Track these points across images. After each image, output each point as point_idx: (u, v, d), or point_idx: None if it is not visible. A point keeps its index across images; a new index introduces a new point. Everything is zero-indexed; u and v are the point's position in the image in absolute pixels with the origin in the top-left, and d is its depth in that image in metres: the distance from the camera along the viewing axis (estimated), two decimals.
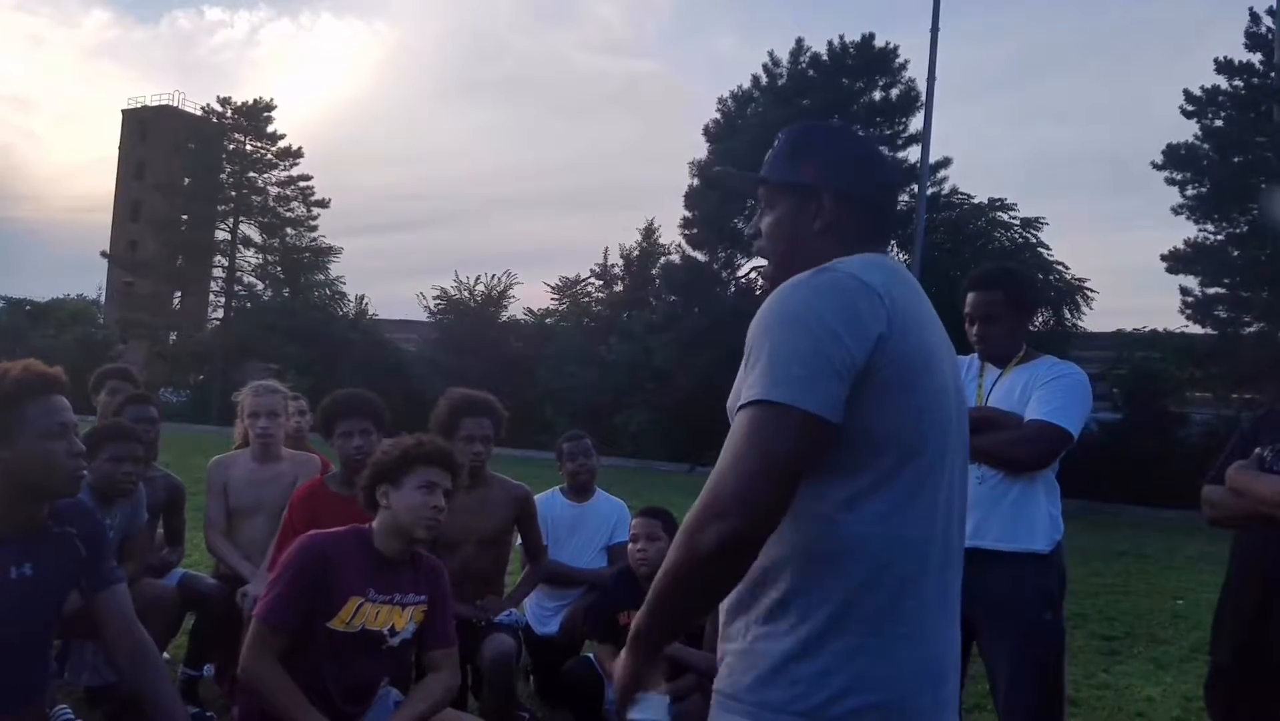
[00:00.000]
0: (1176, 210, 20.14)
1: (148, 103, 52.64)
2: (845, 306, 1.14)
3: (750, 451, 1.09)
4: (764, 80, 25.70)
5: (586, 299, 28.90)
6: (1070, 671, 4.53)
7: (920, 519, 1.19)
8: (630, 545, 3.24)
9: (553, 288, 29.52)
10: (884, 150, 1.42)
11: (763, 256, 1.40)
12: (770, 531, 1.11)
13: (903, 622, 1.17)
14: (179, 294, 42.27)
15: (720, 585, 1.16)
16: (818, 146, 1.35)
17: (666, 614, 1.19)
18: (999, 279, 2.63)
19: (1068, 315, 20.41)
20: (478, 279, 29.91)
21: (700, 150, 25.88)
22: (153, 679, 2.03)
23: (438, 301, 29.72)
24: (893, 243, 21.24)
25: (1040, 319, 19.78)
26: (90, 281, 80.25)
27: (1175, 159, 20.14)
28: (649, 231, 27.33)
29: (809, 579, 1.17)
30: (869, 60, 24.14)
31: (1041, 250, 21.15)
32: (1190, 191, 19.98)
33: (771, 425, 1.10)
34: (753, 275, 23.37)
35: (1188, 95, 20.38)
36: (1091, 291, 20.78)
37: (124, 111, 53.30)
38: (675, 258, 26.01)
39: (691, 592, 1.16)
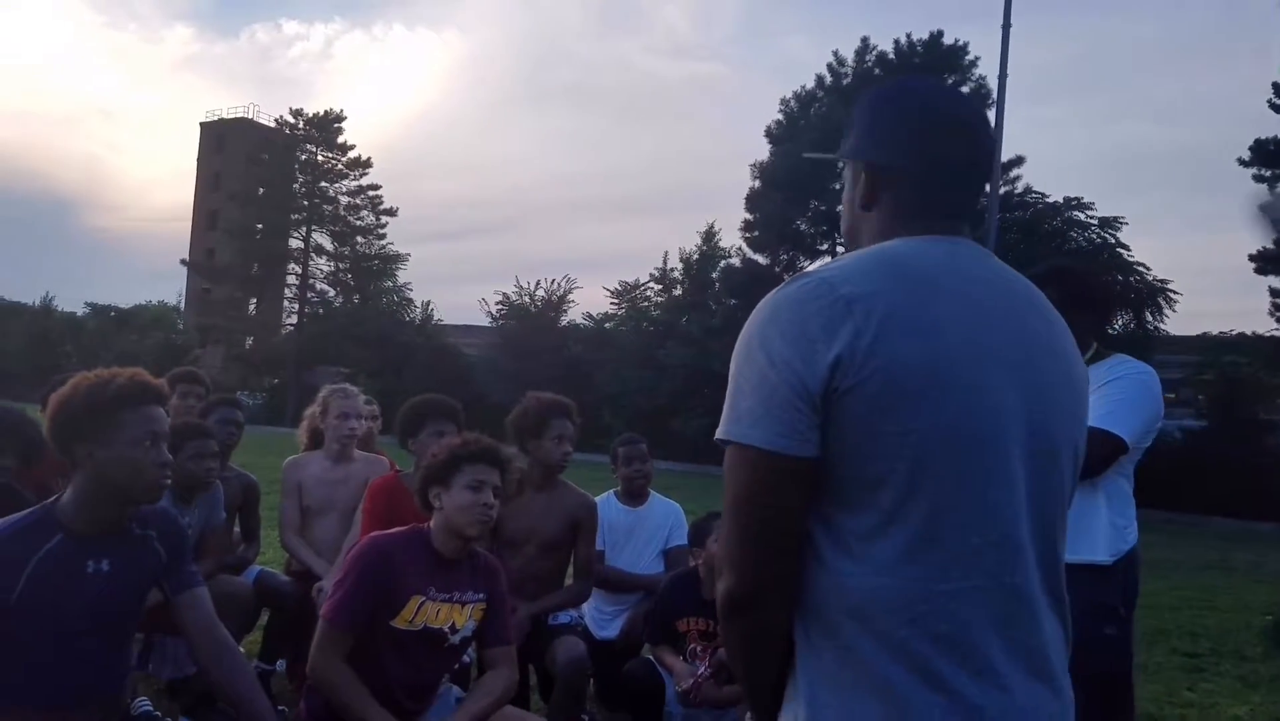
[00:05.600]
0: None
1: (224, 115, 54.86)
2: (795, 325, 1.01)
3: (727, 498, 1.04)
4: (828, 80, 25.43)
5: (645, 303, 29.02)
6: (1151, 689, 4.36)
7: (953, 564, 0.99)
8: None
9: (612, 292, 29.79)
10: (961, 114, 1.18)
11: None
12: (769, 586, 1.03)
13: (941, 691, 0.97)
14: (254, 300, 43.84)
15: (752, 642, 1.07)
16: (860, 111, 1.23)
17: (736, 668, 1.14)
18: (1049, 277, 2.52)
19: (1149, 318, 19.68)
20: (538, 284, 30.33)
21: (762, 152, 25.80)
22: (238, 679, 2.08)
23: (499, 307, 30.19)
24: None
25: (1120, 322, 19.09)
26: (171, 288, 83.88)
27: (1263, 154, 19.29)
28: (709, 235, 27.32)
29: (814, 646, 1.03)
30: (938, 57, 23.68)
31: (1121, 250, 20.46)
32: None
33: (731, 467, 1.03)
34: None
35: (1276, 88, 19.48)
36: (1174, 293, 20.02)
37: (201, 124, 55.66)
38: (735, 260, 25.91)
39: (734, 648, 1.10)
